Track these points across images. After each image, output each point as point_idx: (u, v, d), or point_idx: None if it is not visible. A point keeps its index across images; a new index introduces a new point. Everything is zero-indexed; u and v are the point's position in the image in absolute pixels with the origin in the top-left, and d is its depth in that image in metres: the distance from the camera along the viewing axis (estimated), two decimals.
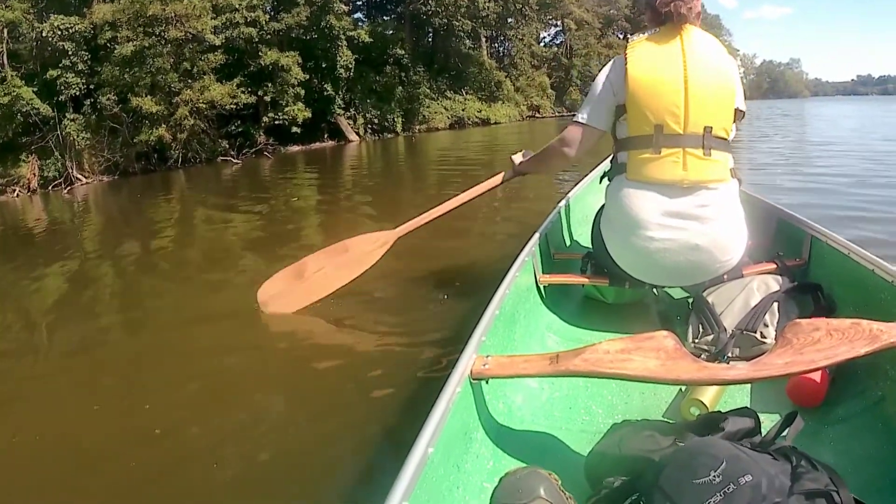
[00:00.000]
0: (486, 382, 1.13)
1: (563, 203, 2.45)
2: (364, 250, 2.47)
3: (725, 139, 1.53)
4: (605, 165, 1.80)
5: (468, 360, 1.08)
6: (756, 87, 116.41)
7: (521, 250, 1.73)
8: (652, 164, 1.50)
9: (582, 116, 1.63)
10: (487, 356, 1.11)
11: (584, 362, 1.01)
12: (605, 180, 1.70)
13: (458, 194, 2.30)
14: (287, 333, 2.51)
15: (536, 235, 1.88)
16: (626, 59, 1.54)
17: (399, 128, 23.36)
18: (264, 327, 2.54)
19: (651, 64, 1.51)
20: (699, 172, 1.49)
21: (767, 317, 1.44)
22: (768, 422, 1.09)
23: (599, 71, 1.62)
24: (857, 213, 4.13)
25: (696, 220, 1.50)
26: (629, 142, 1.55)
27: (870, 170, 6.44)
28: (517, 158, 2.10)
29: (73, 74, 11.88)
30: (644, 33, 1.63)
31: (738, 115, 1.56)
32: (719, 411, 1.01)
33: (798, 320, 1.05)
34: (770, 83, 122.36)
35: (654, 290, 1.72)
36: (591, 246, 1.82)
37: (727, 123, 1.53)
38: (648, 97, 1.50)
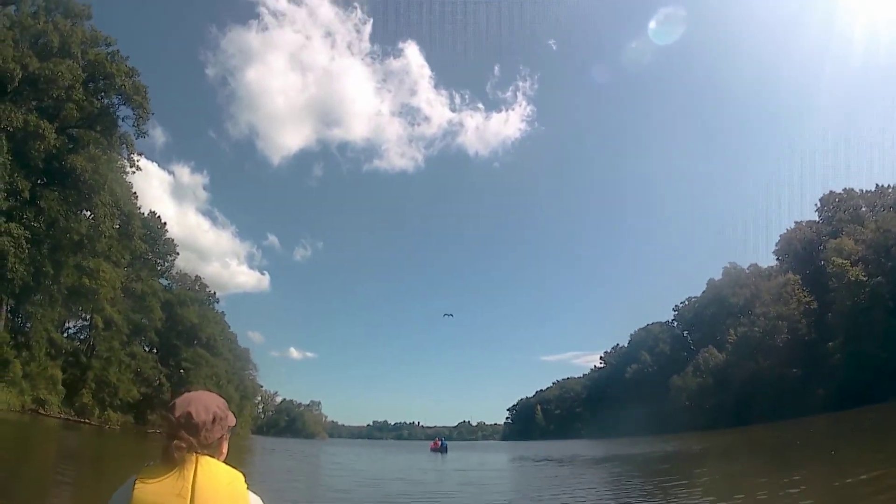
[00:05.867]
0: None
1: None
2: None
3: None
4: None
5: None
6: (273, 424, 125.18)
7: None
8: None
9: None
10: None
11: None
12: None
13: None
14: None
15: None
16: (134, 483, 1.59)
17: None
18: None
19: (157, 495, 1.56)
20: None
21: None
22: None
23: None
24: None
25: None
26: None
27: None
28: None
29: None
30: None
31: None
32: None
33: None
34: (288, 422, 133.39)
35: None
36: None
37: None
38: None
